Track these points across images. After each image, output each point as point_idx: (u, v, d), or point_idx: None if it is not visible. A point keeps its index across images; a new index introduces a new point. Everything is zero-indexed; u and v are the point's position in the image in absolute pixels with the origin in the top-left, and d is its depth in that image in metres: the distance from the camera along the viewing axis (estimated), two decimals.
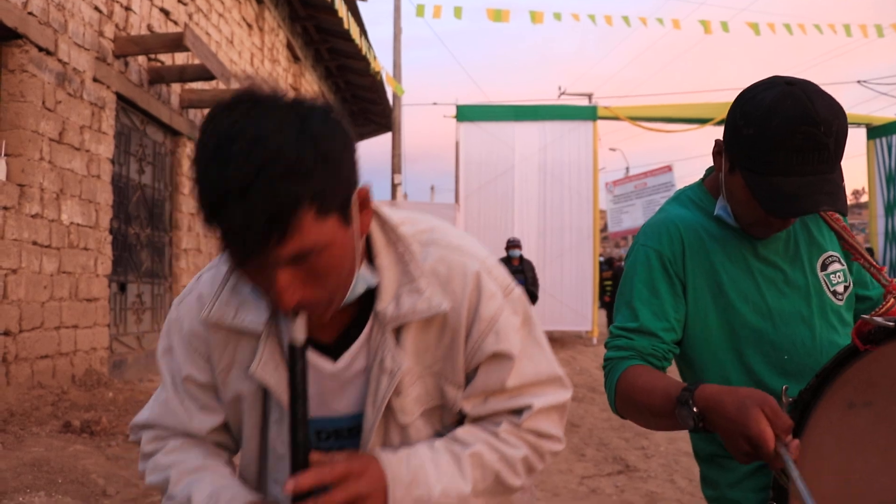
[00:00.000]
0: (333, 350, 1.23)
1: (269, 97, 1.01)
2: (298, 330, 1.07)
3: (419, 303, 1.18)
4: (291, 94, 1.05)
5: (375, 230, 1.22)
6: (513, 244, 10.88)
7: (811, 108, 1.45)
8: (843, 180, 1.52)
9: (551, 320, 13.51)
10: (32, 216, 6.00)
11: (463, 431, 1.24)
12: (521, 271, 10.59)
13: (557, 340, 14.76)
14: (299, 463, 1.07)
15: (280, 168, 0.93)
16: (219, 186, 0.93)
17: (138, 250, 8.38)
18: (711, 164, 1.77)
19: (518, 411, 1.25)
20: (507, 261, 10.69)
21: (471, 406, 1.25)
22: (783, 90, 1.49)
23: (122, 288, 7.99)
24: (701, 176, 1.91)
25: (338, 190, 1.01)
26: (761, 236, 1.68)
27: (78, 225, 6.70)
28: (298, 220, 0.95)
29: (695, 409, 1.36)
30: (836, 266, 1.72)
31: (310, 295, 1.04)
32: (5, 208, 5.65)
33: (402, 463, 1.15)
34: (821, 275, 1.70)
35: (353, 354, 1.22)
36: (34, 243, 6.03)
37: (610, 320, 16.16)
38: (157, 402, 1.32)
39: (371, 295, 1.20)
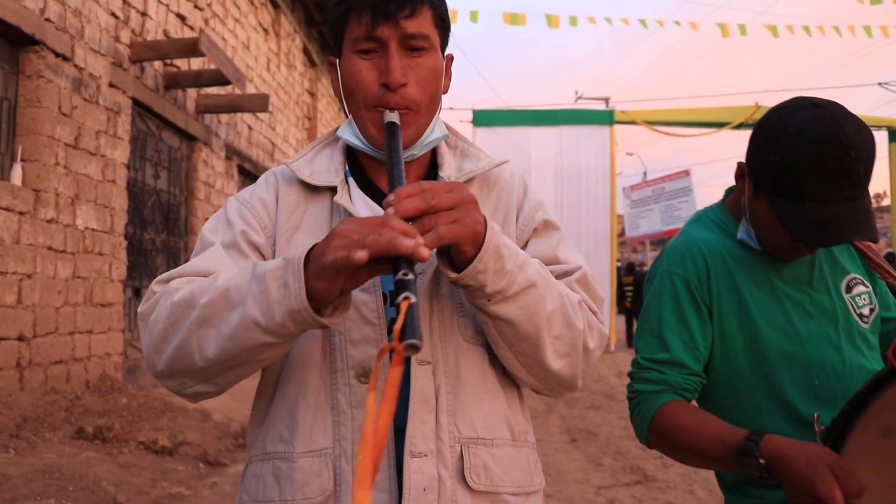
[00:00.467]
0: None
1: None
2: (394, 117, 1.20)
3: (480, 163, 1.34)
4: None
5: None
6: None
7: (841, 133, 1.39)
8: (871, 204, 1.48)
9: None
10: (47, 221, 6.00)
11: None
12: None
13: None
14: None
15: None
16: None
17: (153, 255, 8.38)
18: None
19: (566, 274, 1.28)
20: None
21: None
22: (811, 114, 1.44)
23: (137, 293, 7.99)
24: (719, 189, 1.85)
25: (446, 18, 1.29)
26: (787, 260, 1.63)
27: (93, 230, 6.70)
28: (423, 8, 1.21)
29: (761, 461, 1.34)
30: (861, 288, 1.67)
31: (410, 88, 1.22)
32: (20, 213, 5.65)
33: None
34: (846, 297, 1.65)
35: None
36: (49, 248, 6.03)
37: (629, 325, 16.04)
38: (196, 258, 1.24)
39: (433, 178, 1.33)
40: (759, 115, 14.65)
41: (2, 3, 5.42)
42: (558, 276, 1.24)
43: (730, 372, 1.64)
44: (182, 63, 8.62)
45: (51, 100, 6.03)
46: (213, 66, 8.30)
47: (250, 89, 10.95)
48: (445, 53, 1.32)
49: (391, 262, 0.97)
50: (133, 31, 7.49)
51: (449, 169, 1.32)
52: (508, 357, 1.19)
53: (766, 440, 1.35)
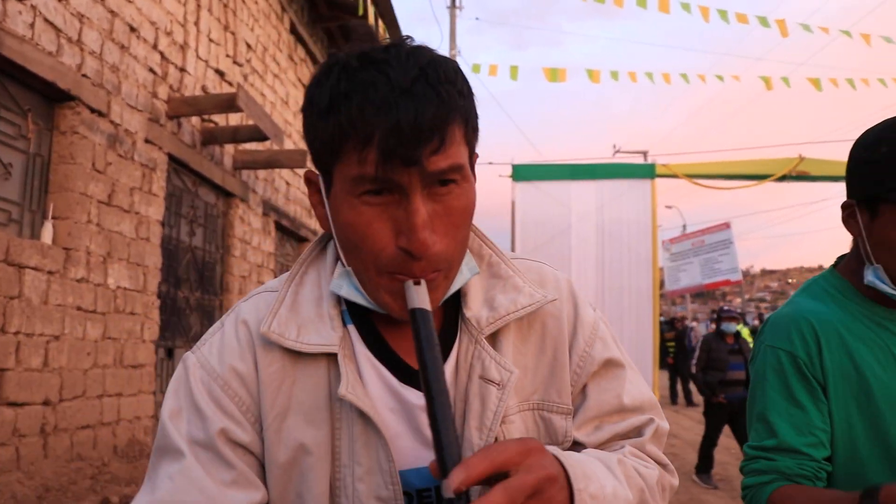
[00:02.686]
0: (412, 379, 0.99)
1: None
2: (422, 297, 0.86)
3: (520, 298, 1.02)
4: None
5: None
6: (728, 315, 8.15)
7: None
8: None
9: None
10: (77, 280, 5.83)
11: (591, 450, 1.02)
12: (739, 351, 7.88)
13: None
14: (452, 455, 0.77)
15: (440, 72, 0.87)
16: (383, 87, 0.84)
17: (187, 314, 8.19)
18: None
19: (636, 432, 1.07)
20: (718, 336, 8.09)
21: (584, 434, 1.05)
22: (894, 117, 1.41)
23: (170, 353, 7.78)
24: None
25: (475, 122, 0.94)
26: None
27: (125, 289, 6.53)
28: (453, 130, 0.87)
29: None
30: None
31: (439, 244, 0.89)
32: (49, 273, 5.48)
33: (564, 455, 0.88)
34: None
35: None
36: (78, 308, 5.84)
37: (672, 382, 15.60)
38: (164, 478, 0.91)
39: (453, 317, 1.03)
40: (803, 167, 14.39)
41: (39, 59, 5.34)
42: (627, 434, 1.06)
43: (849, 464, 1.44)
44: (220, 119, 8.55)
45: (85, 156, 5.91)
46: (250, 122, 8.21)
47: (288, 145, 10.89)
48: (473, 157, 0.98)
49: None
50: (171, 87, 7.42)
51: (476, 306, 1.02)
52: None
53: (886, 490, 1.17)
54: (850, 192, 1.46)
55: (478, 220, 1.04)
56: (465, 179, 0.91)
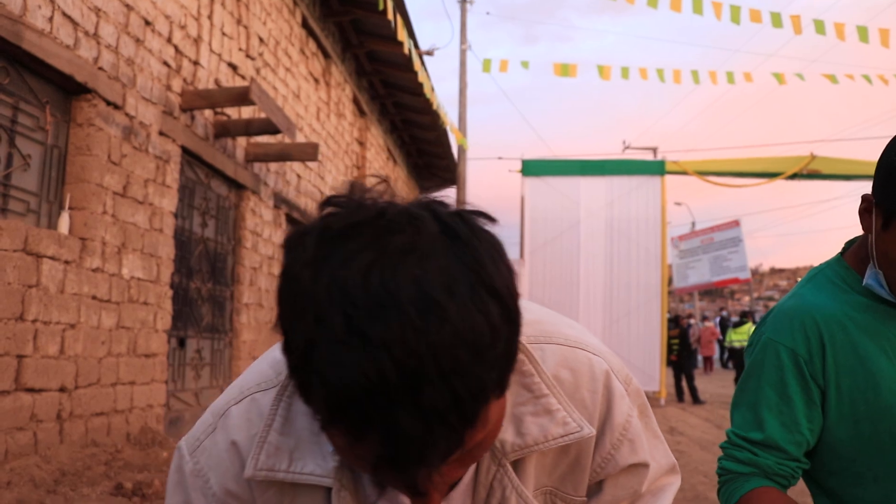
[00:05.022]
0: None
1: (403, 223, 0.68)
2: None
3: (552, 427, 0.91)
4: (412, 198, 0.74)
5: None
6: None
7: None
8: None
9: None
10: (93, 270, 5.93)
11: None
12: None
13: None
14: None
15: (470, 349, 0.64)
16: (376, 399, 0.62)
17: (199, 305, 8.29)
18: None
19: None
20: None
21: None
22: None
23: (182, 343, 7.89)
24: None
25: (515, 353, 0.72)
26: None
27: (138, 279, 6.63)
28: (486, 409, 0.68)
29: None
30: None
31: (453, 475, 0.76)
32: (66, 262, 5.58)
33: None
34: None
35: (461, 496, 0.94)
36: (94, 298, 5.94)
37: (677, 379, 15.60)
38: None
39: None
40: (814, 166, 14.38)
41: (57, 52, 5.44)
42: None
43: (857, 459, 1.42)
44: (232, 112, 8.63)
45: (100, 148, 6.00)
46: (263, 115, 8.29)
47: (300, 138, 10.97)
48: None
49: None
50: (185, 80, 7.51)
51: (506, 433, 0.91)
52: None
53: None
54: (875, 190, 1.39)
55: None
56: (496, 427, 0.77)
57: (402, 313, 0.62)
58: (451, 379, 0.62)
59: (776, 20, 8.89)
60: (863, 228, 1.43)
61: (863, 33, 8.90)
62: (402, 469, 0.66)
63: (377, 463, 0.66)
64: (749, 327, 17.08)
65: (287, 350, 0.69)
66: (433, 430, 0.63)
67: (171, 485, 0.97)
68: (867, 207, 1.39)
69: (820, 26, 8.92)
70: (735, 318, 26.08)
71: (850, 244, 1.55)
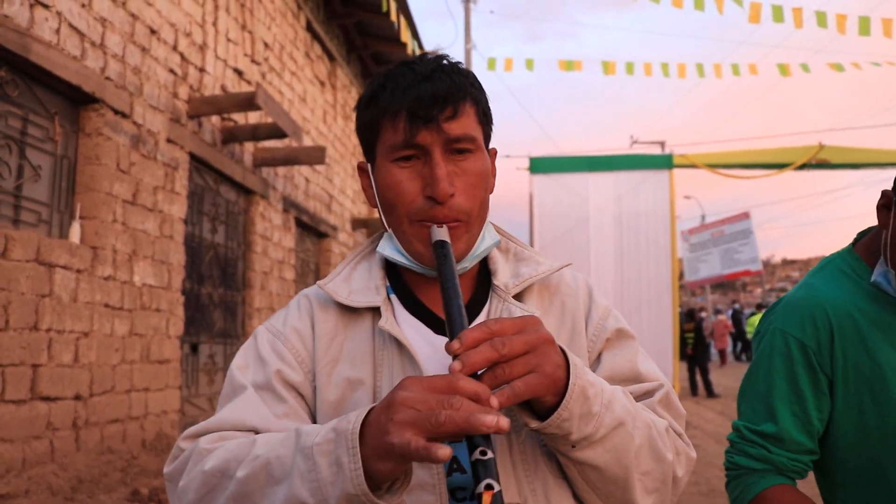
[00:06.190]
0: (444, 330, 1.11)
1: None
2: (443, 234, 1.08)
3: (540, 267, 1.20)
4: None
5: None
6: None
7: None
8: None
9: None
10: (105, 278, 5.97)
11: None
12: None
13: None
14: (458, 330, 0.94)
15: (455, 68, 1.12)
16: (410, 76, 1.09)
17: (211, 310, 8.33)
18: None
19: (647, 395, 1.15)
20: None
21: None
22: None
23: (194, 349, 7.93)
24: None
25: (489, 111, 1.17)
26: None
27: (150, 286, 6.67)
28: (464, 105, 1.09)
29: None
30: None
31: (458, 197, 1.09)
32: (78, 271, 5.62)
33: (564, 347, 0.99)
34: None
35: None
36: (106, 305, 5.98)
37: (692, 373, 15.54)
38: (223, 408, 1.11)
39: (485, 288, 1.21)
40: (823, 155, 14.29)
41: (64, 63, 5.48)
42: (638, 397, 1.13)
43: (861, 451, 1.42)
44: (239, 117, 8.67)
45: (109, 157, 6.04)
46: (269, 120, 8.33)
47: (307, 142, 11.00)
48: (489, 148, 1.22)
49: (466, 438, 0.84)
50: (191, 87, 7.55)
51: (503, 276, 1.20)
52: (592, 500, 1.06)
53: None
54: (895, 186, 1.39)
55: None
56: (479, 150, 1.13)
57: (431, 60, 1.13)
58: (450, 73, 1.09)
59: (777, 14, 8.85)
60: (879, 223, 1.43)
61: (864, 25, 8.85)
62: (423, 118, 1.06)
63: (410, 116, 1.06)
64: (756, 318, 16.96)
65: (360, 121, 1.18)
66: (436, 96, 1.06)
67: (238, 354, 1.20)
68: (886, 204, 1.40)
69: (822, 19, 8.86)
70: (749, 311, 25.99)
71: (862, 235, 1.55)
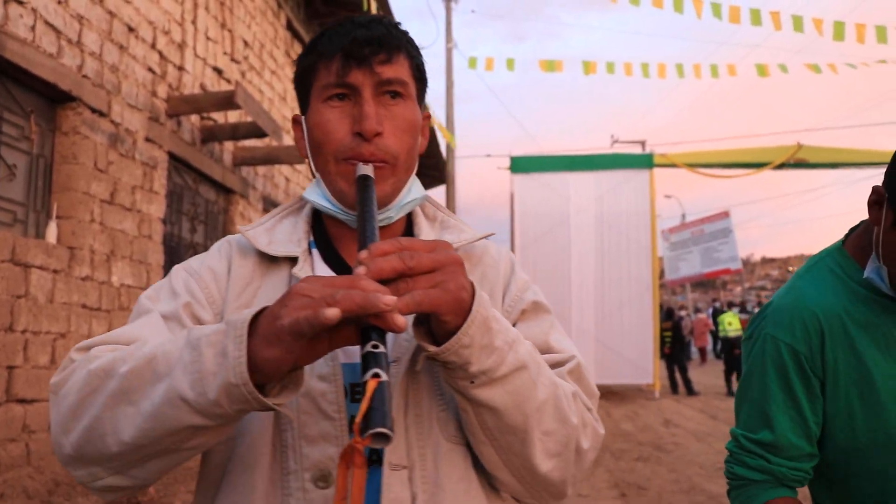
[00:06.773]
0: None
1: None
2: (367, 170, 1.08)
3: (463, 234, 1.20)
4: None
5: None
6: None
7: None
8: None
9: (611, 374, 13.12)
10: (82, 279, 5.91)
11: None
12: None
13: (617, 394, 14.27)
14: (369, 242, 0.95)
15: (392, 22, 1.14)
16: (349, 25, 1.11)
17: None
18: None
19: (557, 366, 1.11)
20: None
21: None
22: None
23: None
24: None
25: (423, 70, 1.19)
26: None
27: (128, 286, 6.61)
28: (399, 54, 1.11)
29: None
30: None
31: (386, 138, 1.09)
32: (55, 272, 5.56)
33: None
34: None
35: None
36: (83, 306, 5.92)
37: (671, 371, 15.62)
38: (124, 326, 1.06)
39: None
40: (801, 155, 14.42)
41: (40, 61, 5.41)
42: (549, 367, 1.07)
43: (850, 454, 1.43)
44: (219, 116, 8.61)
45: (87, 156, 5.98)
46: (249, 119, 8.28)
47: (287, 141, 10.95)
48: (423, 111, 1.22)
49: (359, 332, 0.82)
50: (170, 86, 7.49)
51: (428, 235, 1.21)
52: (489, 454, 1.01)
53: None
54: (887, 187, 1.37)
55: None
56: (411, 99, 1.14)
57: (371, 15, 1.15)
58: (387, 26, 1.12)
59: (755, 17, 8.92)
60: (870, 219, 1.42)
61: (839, 29, 8.94)
62: (359, 58, 1.07)
63: (344, 56, 1.08)
64: (734, 315, 17.01)
65: (299, 68, 1.18)
66: (372, 34, 1.09)
67: (150, 287, 1.17)
68: (877, 200, 1.39)
69: (798, 23, 8.95)
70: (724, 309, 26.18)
71: (852, 231, 1.54)
